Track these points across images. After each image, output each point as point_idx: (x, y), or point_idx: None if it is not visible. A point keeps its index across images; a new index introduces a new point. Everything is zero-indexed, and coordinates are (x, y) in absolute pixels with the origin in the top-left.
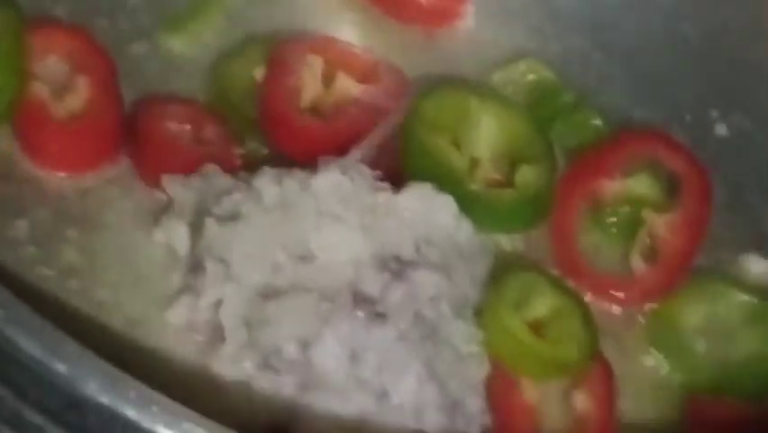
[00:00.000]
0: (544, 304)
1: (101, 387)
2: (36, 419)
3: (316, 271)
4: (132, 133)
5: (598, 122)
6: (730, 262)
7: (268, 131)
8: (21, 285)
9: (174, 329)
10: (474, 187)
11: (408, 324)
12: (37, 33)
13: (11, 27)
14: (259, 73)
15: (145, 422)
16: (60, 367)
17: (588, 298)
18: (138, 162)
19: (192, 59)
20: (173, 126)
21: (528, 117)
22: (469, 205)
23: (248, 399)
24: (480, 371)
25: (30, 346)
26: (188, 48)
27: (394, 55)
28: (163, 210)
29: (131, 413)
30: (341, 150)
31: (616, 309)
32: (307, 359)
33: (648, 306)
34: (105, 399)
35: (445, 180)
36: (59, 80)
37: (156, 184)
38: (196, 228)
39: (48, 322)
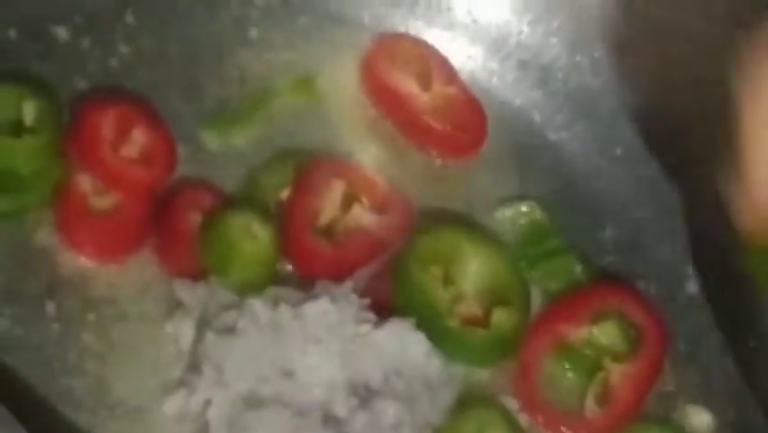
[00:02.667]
0: None
1: None
2: None
3: (296, 387)
4: (158, 221)
5: (578, 269)
6: (678, 410)
7: (284, 245)
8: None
9: (168, 417)
10: (451, 324)
11: None
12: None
13: (52, 115)
14: (284, 192)
15: None
16: None
17: (540, 430)
18: (162, 251)
19: (224, 156)
20: (198, 218)
21: (511, 263)
22: (444, 339)
23: None
24: None
25: None
26: (222, 147)
27: (408, 182)
28: (177, 305)
29: None
30: (343, 274)
31: None
32: None
33: None
34: None
35: (427, 313)
36: None
37: (178, 274)
38: (200, 330)
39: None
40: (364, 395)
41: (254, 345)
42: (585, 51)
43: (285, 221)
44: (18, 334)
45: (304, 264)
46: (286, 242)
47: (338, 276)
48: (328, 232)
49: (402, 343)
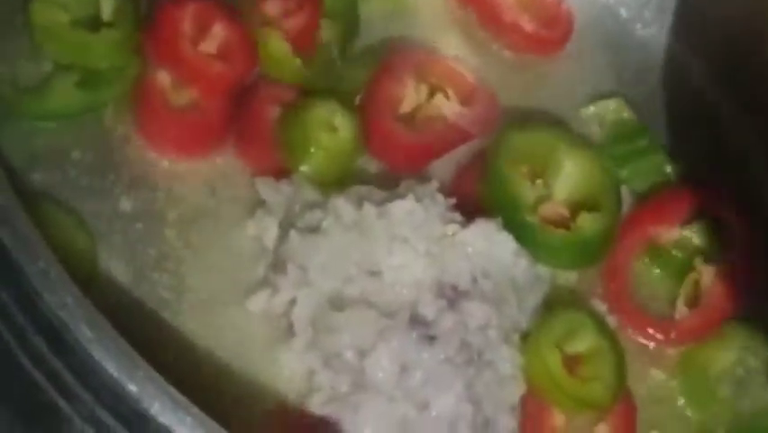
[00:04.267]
0: (584, 343)
1: (162, 408)
2: (110, 421)
3: (382, 288)
4: (238, 116)
5: (668, 169)
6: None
7: (364, 130)
8: (123, 258)
9: (252, 315)
10: (531, 219)
11: (455, 349)
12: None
13: (129, 9)
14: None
15: None
16: (132, 388)
17: (629, 332)
18: (243, 148)
19: None
20: (277, 112)
21: (604, 167)
22: (526, 237)
23: (306, 390)
24: (515, 393)
25: (110, 367)
26: None
27: (493, 76)
28: (258, 204)
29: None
30: (421, 161)
31: (652, 348)
32: (362, 366)
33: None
34: (164, 420)
35: (511, 210)
36: None
37: (260, 171)
38: (283, 229)
39: (127, 347)
40: (451, 296)
41: (339, 245)
42: None
43: (366, 107)
44: (99, 228)
45: (383, 150)
46: (366, 129)
47: (416, 163)
48: (409, 120)
49: (489, 243)
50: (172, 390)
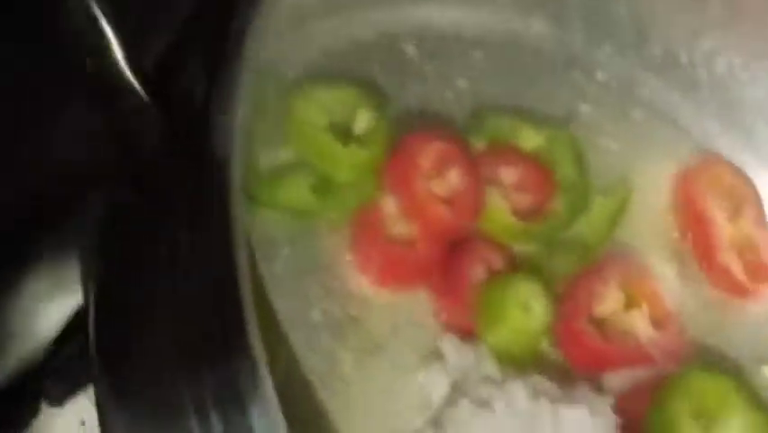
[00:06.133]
0: None
1: None
2: None
3: None
4: (445, 265)
5: None
6: None
7: (555, 323)
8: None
9: None
10: None
11: None
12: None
13: (382, 130)
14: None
15: None
16: None
17: None
18: (440, 297)
19: None
20: (483, 274)
21: None
22: None
23: None
24: None
25: None
26: None
27: (689, 309)
28: (436, 357)
29: None
30: (602, 369)
31: None
32: None
33: None
34: None
35: None
36: None
37: (448, 326)
38: (453, 391)
39: None
40: None
41: (503, 428)
42: None
43: (563, 297)
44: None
45: (567, 345)
46: (557, 319)
47: (595, 368)
48: (600, 324)
49: None
50: None
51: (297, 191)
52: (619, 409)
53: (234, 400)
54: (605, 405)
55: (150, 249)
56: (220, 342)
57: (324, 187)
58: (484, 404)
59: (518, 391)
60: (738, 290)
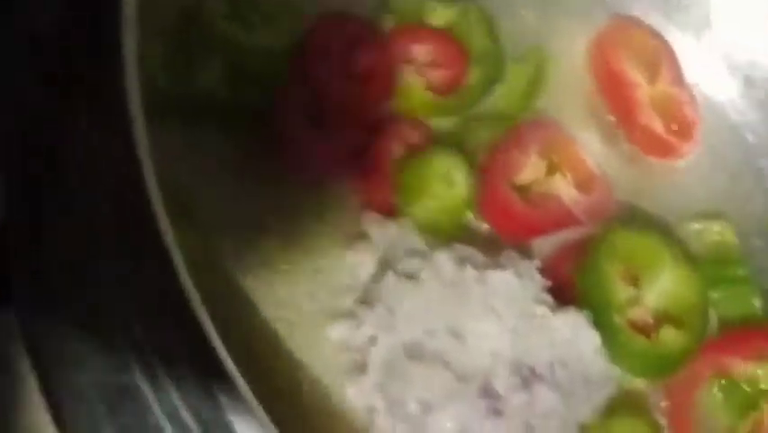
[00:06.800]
0: None
1: (247, 427)
2: (190, 422)
3: (461, 350)
4: (363, 148)
5: (757, 303)
6: None
7: (479, 191)
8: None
9: (331, 343)
10: (618, 321)
11: (517, 428)
12: None
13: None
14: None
15: None
16: (222, 399)
17: None
18: (360, 179)
19: None
20: (402, 151)
21: (700, 289)
22: (608, 334)
23: (365, 427)
24: None
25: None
26: None
27: (612, 169)
28: (361, 237)
29: None
30: (529, 235)
31: None
32: (424, 421)
33: None
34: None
35: (600, 304)
36: None
37: (371, 206)
38: (380, 267)
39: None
40: (526, 376)
41: (431, 298)
42: None
43: (486, 169)
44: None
45: (493, 214)
46: (481, 190)
47: (522, 235)
48: (524, 192)
49: (574, 335)
50: (261, 410)
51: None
52: (549, 272)
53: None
54: (531, 267)
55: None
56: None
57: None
58: (411, 276)
59: (444, 260)
60: (661, 149)
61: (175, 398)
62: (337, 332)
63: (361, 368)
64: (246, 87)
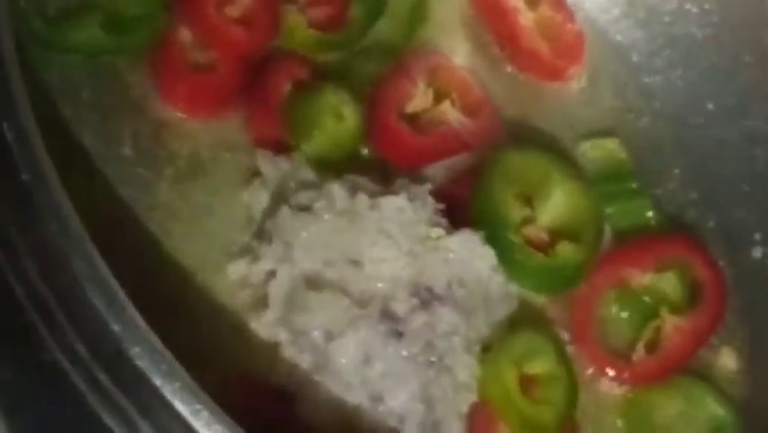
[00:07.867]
0: (541, 366)
1: (141, 352)
2: (85, 355)
3: (359, 277)
4: (250, 85)
5: (649, 214)
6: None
7: (368, 123)
8: (115, 200)
9: (230, 280)
10: (514, 239)
11: (419, 349)
12: None
13: None
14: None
15: (167, 393)
16: (115, 327)
17: (584, 365)
18: (249, 117)
19: None
20: (289, 88)
21: (592, 203)
22: (505, 253)
23: (270, 360)
24: (467, 401)
25: (98, 303)
26: None
27: (499, 94)
28: (256, 174)
29: (157, 382)
30: (418, 163)
31: (604, 384)
32: (327, 349)
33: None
34: (141, 363)
35: (496, 226)
36: None
37: (262, 143)
38: (275, 202)
39: (118, 287)
40: (425, 297)
41: (326, 229)
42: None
43: (374, 101)
44: (98, 167)
45: (384, 145)
46: (371, 122)
47: (413, 163)
48: (413, 121)
49: (470, 254)
50: (154, 337)
51: (88, 32)
52: (443, 196)
53: None
54: (423, 191)
55: None
56: None
57: (114, 24)
58: (305, 208)
59: (336, 190)
60: (548, 72)
61: (70, 332)
62: (236, 270)
63: (262, 303)
64: (127, 29)
